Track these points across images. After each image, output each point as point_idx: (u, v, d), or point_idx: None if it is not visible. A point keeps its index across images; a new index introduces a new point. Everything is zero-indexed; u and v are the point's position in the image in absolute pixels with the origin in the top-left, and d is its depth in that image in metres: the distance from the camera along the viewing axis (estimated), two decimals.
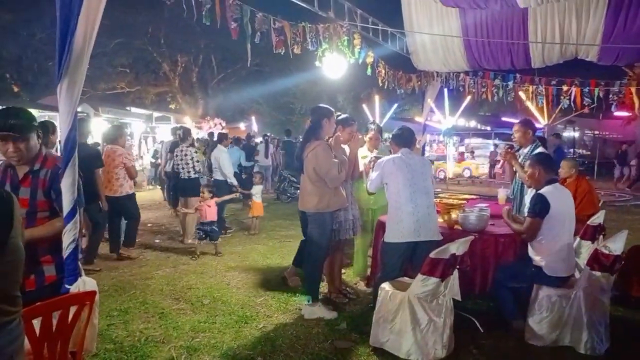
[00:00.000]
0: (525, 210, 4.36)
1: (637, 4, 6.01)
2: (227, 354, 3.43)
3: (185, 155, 7.21)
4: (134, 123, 17.18)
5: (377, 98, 15.65)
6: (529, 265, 3.80)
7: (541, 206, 3.63)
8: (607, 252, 3.46)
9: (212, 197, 6.61)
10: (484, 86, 9.33)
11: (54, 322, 2.13)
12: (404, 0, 7.53)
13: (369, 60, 7.52)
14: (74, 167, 2.73)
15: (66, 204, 2.70)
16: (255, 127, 22.84)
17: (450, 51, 7.93)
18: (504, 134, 23.10)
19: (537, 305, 3.63)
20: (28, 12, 17.10)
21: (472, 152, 21.79)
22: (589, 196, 5.35)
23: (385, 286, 3.55)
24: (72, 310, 2.22)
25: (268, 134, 16.86)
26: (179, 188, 7.60)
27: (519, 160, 4.85)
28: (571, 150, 22.44)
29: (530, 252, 3.81)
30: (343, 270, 5.06)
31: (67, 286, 2.69)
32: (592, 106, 8.85)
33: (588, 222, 4.70)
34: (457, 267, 3.38)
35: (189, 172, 7.17)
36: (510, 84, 9.25)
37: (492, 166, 20.35)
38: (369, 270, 5.12)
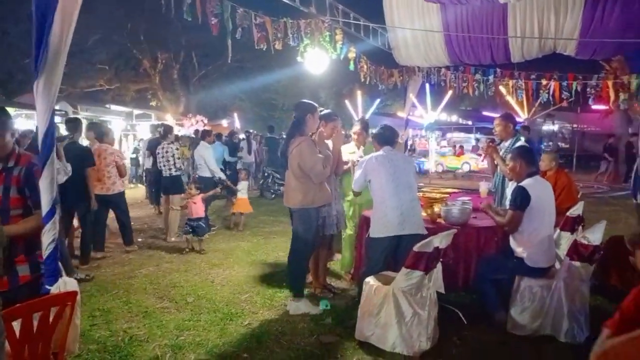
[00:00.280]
0: (507, 203, 4.42)
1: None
2: (213, 352, 3.42)
3: (167, 152, 7.14)
4: (114, 121, 16.92)
5: (359, 93, 15.70)
6: (510, 257, 3.86)
7: (522, 199, 3.69)
8: (586, 242, 3.53)
9: (199, 194, 6.58)
10: (464, 81, 9.41)
11: (35, 323, 2.10)
12: None
13: (351, 55, 7.53)
14: (52, 166, 2.68)
15: (45, 204, 2.65)
16: (237, 124, 22.68)
17: (431, 46, 7.97)
18: (485, 128, 23.38)
19: (519, 296, 3.69)
20: (2, 6, 16.68)
21: (462, 147, 21.91)
22: (569, 189, 5.45)
23: (370, 280, 3.57)
24: (53, 311, 2.19)
25: (251, 131, 16.78)
26: (162, 186, 7.57)
27: (500, 153, 4.91)
28: (550, 143, 22.80)
29: (512, 244, 3.87)
30: (329, 265, 5.07)
31: (47, 287, 2.65)
32: (570, 100, 9.00)
33: (567, 214, 4.78)
34: (441, 260, 3.41)
35: (170, 169, 7.11)
36: (491, 78, 9.35)
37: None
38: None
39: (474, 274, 4.19)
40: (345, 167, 4.80)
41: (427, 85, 11.83)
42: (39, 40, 2.59)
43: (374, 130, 4.70)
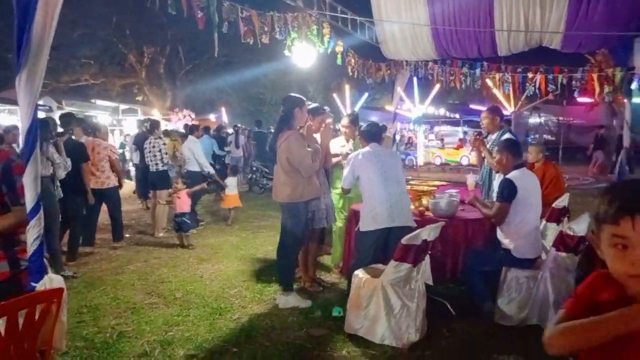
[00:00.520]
0: (494, 195, 4.46)
1: None
2: (202, 347, 3.41)
3: (154, 147, 7.08)
4: (99, 116, 16.73)
5: (347, 87, 15.70)
6: (497, 248, 3.90)
7: (509, 191, 3.72)
8: (571, 233, 3.58)
9: (185, 188, 6.54)
10: (452, 74, 9.44)
11: (20, 321, 2.07)
12: None
13: (339, 49, 7.50)
14: (36, 162, 2.64)
15: (29, 200, 2.62)
16: (225, 118, 22.54)
17: (418, 40, 7.98)
18: (472, 122, 23.49)
19: (506, 286, 3.73)
20: None
21: (442, 140, 22.10)
22: (556, 181, 5.52)
23: (359, 273, 3.58)
24: (39, 308, 2.16)
25: (238, 125, 16.68)
26: (149, 181, 7.53)
27: (487, 146, 4.95)
28: (536, 135, 23.01)
29: (499, 235, 3.91)
30: (318, 259, 5.08)
31: (32, 284, 2.62)
32: (556, 93, 9.08)
33: (553, 205, 4.84)
34: (429, 252, 3.44)
35: (157, 164, 7.05)
36: (478, 71, 9.38)
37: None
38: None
39: (462, 266, 4.23)
40: (335, 159, 4.80)
41: (415, 79, 11.87)
42: (21, 33, 2.54)
43: (362, 124, 4.72)
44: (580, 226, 3.62)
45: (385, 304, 3.31)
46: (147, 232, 7.28)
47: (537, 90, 8.97)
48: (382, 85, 15.86)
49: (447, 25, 7.37)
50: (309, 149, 4.09)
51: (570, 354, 1.26)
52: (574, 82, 8.81)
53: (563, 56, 7.77)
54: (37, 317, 2.14)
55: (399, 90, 10.19)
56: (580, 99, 14.36)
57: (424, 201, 4.69)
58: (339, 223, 5.10)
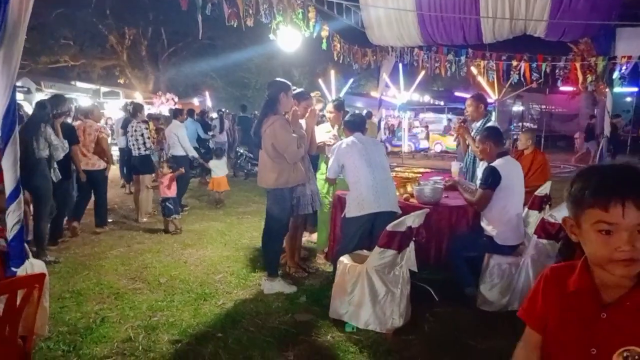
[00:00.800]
0: (478, 182, 4.50)
1: None
2: (187, 332, 3.41)
3: (136, 131, 6.97)
4: (80, 98, 16.40)
5: (332, 73, 15.59)
6: (481, 235, 3.95)
7: (493, 178, 3.76)
8: (552, 221, 3.64)
9: (171, 173, 6.49)
10: (437, 61, 9.44)
11: (1, 306, 2.04)
12: None
13: (324, 34, 7.43)
14: (14, 145, 2.59)
15: (8, 184, 2.57)
16: (209, 103, 22.31)
17: (404, 26, 7.94)
18: (457, 109, 23.61)
19: (489, 273, 3.79)
20: None
21: (427, 127, 22.19)
22: (543, 169, 5.60)
23: (344, 259, 3.60)
24: (20, 294, 2.13)
25: (223, 110, 16.52)
26: (132, 165, 7.47)
27: (472, 134, 4.98)
28: (519, 124, 23.25)
29: (482, 222, 3.95)
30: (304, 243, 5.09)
31: (13, 269, 2.58)
32: (539, 81, 9.15)
33: (535, 193, 4.91)
34: (414, 239, 3.46)
35: (139, 148, 6.96)
36: (463, 59, 9.40)
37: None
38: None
39: (446, 252, 4.28)
40: (319, 142, 4.79)
41: (400, 65, 11.84)
42: None
43: (347, 110, 4.71)
44: (561, 214, 3.67)
45: (369, 289, 3.34)
46: (131, 217, 7.20)
47: (521, 78, 9.03)
48: (368, 71, 15.80)
49: (433, 11, 7.35)
50: (295, 135, 4.07)
51: None
52: (557, 71, 8.89)
53: (547, 45, 7.84)
54: (18, 302, 2.11)
55: (385, 76, 10.17)
56: (563, 88, 14.51)
57: (409, 188, 4.71)
58: (325, 208, 5.10)
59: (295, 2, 6.48)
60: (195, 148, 8.77)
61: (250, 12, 5.98)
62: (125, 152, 9.09)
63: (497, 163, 3.84)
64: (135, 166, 7.20)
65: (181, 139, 7.83)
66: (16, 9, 2.51)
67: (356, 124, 4.14)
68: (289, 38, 6.62)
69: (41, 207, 5.02)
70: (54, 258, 4.98)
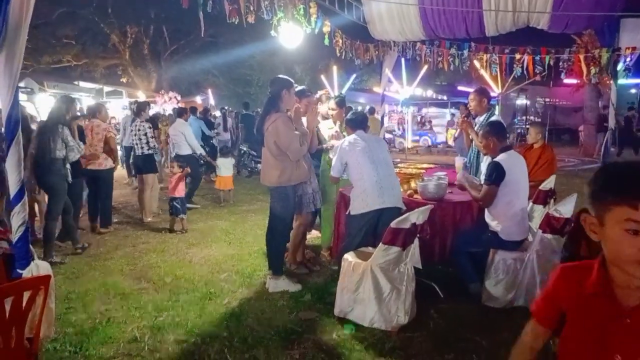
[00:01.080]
0: (482, 177, 4.48)
1: None
2: (192, 331, 3.41)
3: (139, 130, 6.97)
4: (83, 98, 16.42)
5: (335, 69, 15.55)
6: (485, 230, 3.93)
7: (497, 174, 3.74)
8: (557, 215, 3.62)
9: (181, 172, 6.53)
10: (440, 55, 9.40)
11: (7, 308, 2.05)
12: None
13: (326, 29, 7.41)
14: (18, 146, 2.59)
15: (13, 184, 2.57)
16: (212, 100, 22.29)
17: (406, 20, 7.91)
18: (460, 103, 23.47)
19: (494, 268, 3.77)
20: None
21: (430, 122, 22.08)
22: (549, 164, 5.58)
23: (348, 257, 3.59)
24: (26, 295, 2.13)
25: (225, 107, 16.50)
26: (135, 164, 7.51)
27: (475, 128, 4.95)
28: (523, 117, 23.13)
29: (487, 217, 3.94)
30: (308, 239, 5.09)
31: (19, 271, 2.59)
32: (543, 74, 9.10)
33: (540, 187, 4.88)
34: (418, 235, 3.45)
35: (142, 147, 6.96)
36: (465, 52, 9.36)
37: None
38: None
39: (450, 248, 4.26)
40: (328, 145, 4.80)
41: (403, 60, 11.80)
42: None
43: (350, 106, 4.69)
44: (566, 208, 3.66)
45: (374, 287, 3.33)
46: (135, 217, 7.22)
47: (524, 72, 8.99)
48: (370, 67, 15.78)
49: (434, 4, 7.32)
50: (297, 133, 4.06)
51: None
52: (561, 64, 8.84)
53: (550, 37, 7.79)
54: (24, 304, 2.11)
55: (387, 71, 10.15)
56: (567, 80, 14.41)
57: (412, 184, 4.70)
58: (329, 206, 5.09)
59: None
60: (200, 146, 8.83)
61: (252, 8, 5.97)
62: (128, 149, 9.25)
63: (500, 158, 3.82)
64: (139, 165, 7.22)
65: (188, 138, 7.91)
66: (17, 8, 2.50)
67: (358, 122, 4.13)
68: (291, 34, 6.60)
69: (54, 205, 5.12)
70: (60, 259, 5.00)
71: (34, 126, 6.29)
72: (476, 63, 9.95)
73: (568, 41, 8.83)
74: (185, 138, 7.89)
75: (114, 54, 22.77)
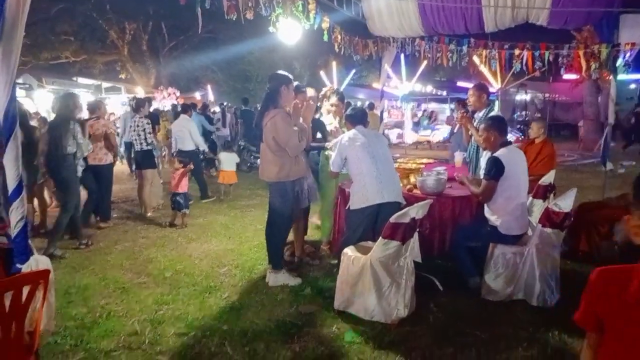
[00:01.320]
0: (481, 172, 4.49)
1: None
2: (192, 325, 3.42)
3: (138, 126, 6.98)
4: (82, 94, 16.37)
5: (334, 64, 15.51)
6: (484, 225, 3.94)
7: (496, 169, 3.74)
8: (557, 210, 3.62)
9: (182, 167, 6.54)
10: (439, 51, 9.37)
11: (7, 302, 2.05)
12: None
13: (325, 25, 7.38)
14: (16, 141, 2.59)
15: (11, 180, 2.57)
16: (211, 96, 22.24)
17: (405, 16, 7.90)
18: (459, 99, 23.43)
19: (493, 262, 3.78)
20: None
21: (433, 116, 21.98)
22: (549, 159, 5.61)
23: (348, 251, 3.60)
24: (25, 290, 2.13)
25: (225, 103, 16.48)
26: (134, 160, 7.52)
27: (474, 124, 4.95)
28: (523, 112, 23.13)
29: (486, 212, 3.94)
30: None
31: (18, 265, 2.59)
32: (542, 70, 9.08)
33: (539, 182, 4.89)
34: (417, 230, 3.46)
35: (141, 143, 6.97)
36: (465, 48, 9.33)
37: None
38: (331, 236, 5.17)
39: (450, 242, 4.27)
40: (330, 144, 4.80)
41: (402, 56, 11.78)
42: None
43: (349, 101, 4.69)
44: (566, 202, 3.67)
45: (374, 281, 3.34)
46: (135, 212, 7.22)
47: (524, 67, 8.97)
48: (370, 62, 15.73)
49: (433, 1, 7.30)
50: (295, 129, 4.06)
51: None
52: (560, 59, 8.82)
53: (549, 33, 7.77)
54: (23, 298, 2.12)
55: (386, 67, 10.13)
56: (566, 76, 14.40)
57: (412, 179, 4.70)
58: (328, 199, 5.08)
59: None
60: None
61: (250, 4, 5.94)
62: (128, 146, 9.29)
63: (499, 153, 3.82)
64: (138, 161, 7.24)
65: (193, 134, 7.97)
66: (14, 4, 2.49)
67: (357, 118, 4.14)
68: (289, 30, 6.57)
69: (69, 199, 5.21)
70: (61, 253, 5.02)
71: (33, 122, 6.29)
72: (475, 59, 9.93)
73: (567, 37, 8.81)
74: (191, 134, 7.96)
75: (113, 50, 22.68)
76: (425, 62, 11.87)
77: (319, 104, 5.41)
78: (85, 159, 5.73)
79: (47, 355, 2.99)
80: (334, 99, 5.17)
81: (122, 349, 3.10)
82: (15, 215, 2.63)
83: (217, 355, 3.02)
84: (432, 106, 24.56)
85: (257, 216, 6.68)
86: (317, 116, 5.25)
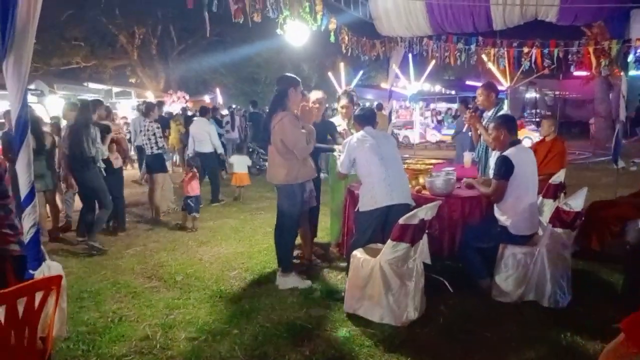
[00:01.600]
0: (491, 172, 4.46)
1: None
2: (203, 329, 3.44)
3: (148, 130, 7.03)
4: (92, 99, 16.55)
5: (342, 65, 15.51)
6: (494, 225, 3.91)
7: (506, 168, 3.72)
8: (568, 209, 3.59)
9: (194, 171, 6.62)
10: (447, 50, 9.33)
11: (20, 309, 2.08)
12: None
13: (332, 27, 7.38)
14: (28, 147, 2.63)
15: (23, 186, 2.60)
16: (220, 99, 22.37)
17: (413, 15, 7.88)
18: (468, 98, 23.30)
19: (503, 263, 3.76)
20: None
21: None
22: (560, 157, 5.54)
23: (357, 253, 3.60)
24: (38, 296, 2.16)
25: (234, 106, 16.54)
26: (145, 164, 7.57)
27: (483, 123, 4.92)
28: (532, 111, 22.94)
29: (496, 212, 3.91)
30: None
31: (31, 271, 2.62)
32: (552, 67, 9.00)
33: (550, 181, 4.84)
34: (426, 231, 3.44)
35: (152, 147, 7.01)
36: (473, 47, 9.28)
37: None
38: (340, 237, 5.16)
39: (459, 243, 4.25)
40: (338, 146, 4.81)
41: (410, 56, 11.74)
42: (4, 16, 2.48)
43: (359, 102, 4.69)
44: (577, 201, 3.63)
45: (383, 283, 3.33)
46: (146, 216, 7.27)
47: (533, 65, 8.90)
48: (377, 63, 15.72)
49: (441, 0, 7.28)
50: (304, 131, 4.06)
51: None
52: (570, 56, 8.74)
53: (559, 29, 7.70)
54: (36, 305, 2.14)
55: (394, 67, 10.10)
56: (577, 73, 14.25)
57: (421, 180, 4.68)
58: (337, 201, 5.08)
59: None
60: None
61: (257, 7, 5.96)
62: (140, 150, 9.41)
63: (508, 152, 3.79)
64: (148, 165, 7.28)
65: (213, 137, 8.12)
66: (24, 12, 2.52)
67: (366, 118, 4.10)
68: (297, 32, 6.58)
69: (102, 199, 5.53)
70: (100, 245, 5.38)
71: (45, 128, 6.36)
72: (484, 57, 9.87)
73: (577, 33, 8.72)
74: (210, 137, 8.09)
75: (122, 54, 22.91)
76: (433, 62, 11.83)
77: (327, 106, 5.42)
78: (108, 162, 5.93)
79: None
80: (343, 101, 5.17)
81: (134, 354, 3.12)
82: (28, 222, 2.67)
83: (228, 359, 3.04)
84: (441, 106, 24.46)
85: (266, 219, 6.70)
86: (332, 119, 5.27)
